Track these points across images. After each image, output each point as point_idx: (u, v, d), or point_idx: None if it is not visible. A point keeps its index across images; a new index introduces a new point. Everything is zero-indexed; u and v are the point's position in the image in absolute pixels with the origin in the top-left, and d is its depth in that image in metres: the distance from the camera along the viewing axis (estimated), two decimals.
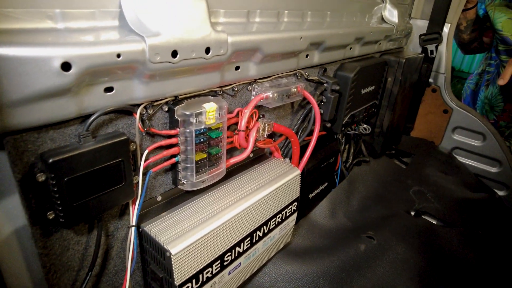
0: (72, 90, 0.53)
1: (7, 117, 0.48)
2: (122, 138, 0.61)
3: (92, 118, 0.57)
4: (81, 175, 0.56)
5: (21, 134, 0.52)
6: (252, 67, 0.87)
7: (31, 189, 0.55)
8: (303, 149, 1.14)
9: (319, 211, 1.39)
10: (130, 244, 0.69)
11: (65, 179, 0.55)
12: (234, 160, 0.88)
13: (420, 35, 1.85)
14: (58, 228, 0.61)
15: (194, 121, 0.71)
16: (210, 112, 0.73)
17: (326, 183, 1.42)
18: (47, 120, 0.53)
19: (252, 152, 0.94)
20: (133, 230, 0.69)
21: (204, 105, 0.73)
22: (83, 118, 0.59)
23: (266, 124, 0.96)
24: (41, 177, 0.53)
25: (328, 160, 1.35)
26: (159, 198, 0.78)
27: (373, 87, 1.52)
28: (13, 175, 0.53)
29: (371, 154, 1.79)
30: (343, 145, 1.58)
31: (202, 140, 0.75)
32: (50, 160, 0.52)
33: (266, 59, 0.88)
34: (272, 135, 1.10)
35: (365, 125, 1.65)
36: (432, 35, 1.85)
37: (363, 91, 1.43)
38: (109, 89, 0.59)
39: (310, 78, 1.14)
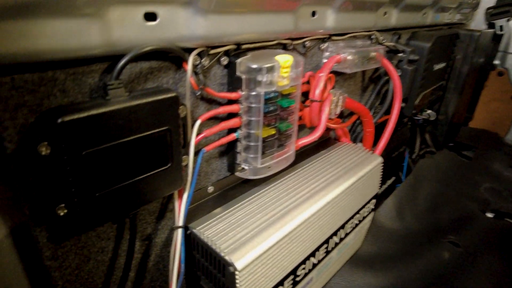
0: (95, 4, 0.32)
1: None
2: (170, 95, 0.40)
3: (126, 58, 0.37)
4: (107, 148, 0.36)
5: (12, 76, 0.31)
6: (330, 16, 0.65)
7: (30, 169, 0.35)
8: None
9: (384, 210, 1.15)
10: (175, 252, 0.48)
11: (83, 153, 0.34)
12: (302, 141, 0.66)
13: (488, 8, 1.58)
14: (73, 231, 0.41)
15: (264, 79, 0.50)
16: (285, 68, 0.52)
17: (394, 178, 1.18)
18: (54, 53, 0.32)
19: (322, 133, 0.72)
20: (179, 233, 0.48)
21: (278, 57, 0.51)
22: (111, 62, 0.38)
23: (340, 97, 0.74)
24: (45, 149, 0.33)
25: (398, 150, 1.11)
26: (210, 189, 0.57)
27: (444, 64, 1.27)
28: (3, 144, 0.33)
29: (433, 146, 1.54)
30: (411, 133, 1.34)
31: (271, 109, 0.54)
32: (59, 121, 0.32)
33: (346, 6, 0.65)
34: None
35: (429, 111, 1.40)
36: (503, 7, 1.58)
37: (435, 67, 1.18)
38: (151, 17, 0.38)
39: (385, 43, 0.90)
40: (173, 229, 0.49)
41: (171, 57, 0.43)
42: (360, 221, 0.78)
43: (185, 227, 0.50)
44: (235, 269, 0.45)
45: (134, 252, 0.48)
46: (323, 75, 0.65)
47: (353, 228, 0.76)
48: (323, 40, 0.70)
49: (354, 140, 0.95)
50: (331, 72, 0.69)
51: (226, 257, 0.46)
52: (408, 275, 0.92)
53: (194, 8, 0.41)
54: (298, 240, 0.56)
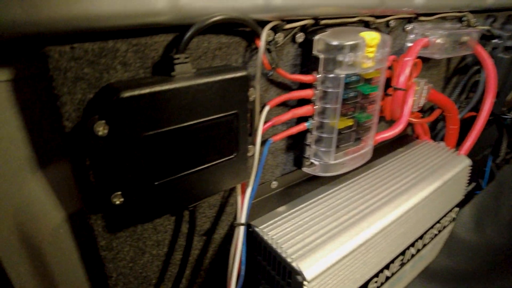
0: None
1: (46, 0, 0.25)
2: (241, 74, 0.35)
3: (193, 29, 0.32)
4: (169, 132, 0.31)
5: (72, 45, 0.28)
6: None
7: (86, 151, 0.31)
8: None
9: (461, 220, 1.02)
10: (235, 252, 0.43)
11: (143, 135, 0.30)
12: (382, 136, 0.58)
13: None
14: (129, 221, 0.37)
15: (346, 59, 0.42)
16: (371, 47, 0.44)
17: (474, 183, 1.03)
18: (116, 17, 0.28)
19: (405, 127, 0.62)
20: (241, 231, 0.43)
21: (363, 34, 0.43)
22: (176, 34, 0.33)
23: (425, 87, 0.64)
24: (102, 129, 0.29)
25: (483, 152, 0.97)
26: (274, 184, 0.52)
27: None
28: (61, 122, 0.29)
29: None
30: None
31: (351, 95, 0.46)
32: (120, 96, 0.28)
33: None
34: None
35: None
36: None
37: None
38: None
39: (478, 27, 0.77)
40: (234, 226, 0.44)
41: (242, 31, 0.38)
42: (439, 231, 0.67)
43: (248, 225, 0.45)
44: (304, 279, 0.39)
45: (191, 248, 0.44)
46: (409, 60, 0.56)
47: (432, 239, 0.65)
48: (408, 21, 0.60)
49: (434, 138, 0.83)
50: (417, 58, 0.59)
51: (294, 264, 0.40)
52: None
53: None
54: (374, 250, 0.48)
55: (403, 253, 0.56)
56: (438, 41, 0.60)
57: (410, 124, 0.76)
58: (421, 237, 0.60)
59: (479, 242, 1.00)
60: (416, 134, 0.77)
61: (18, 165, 0.34)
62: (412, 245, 0.59)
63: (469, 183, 1.07)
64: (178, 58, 0.31)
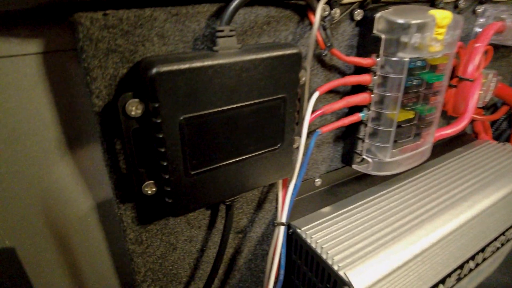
0: None
1: None
2: (292, 51, 0.30)
3: (237, 1, 0.27)
4: (211, 114, 0.27)
5: (104, 11, 0.24)
6: None
7: (117, 133, 0.28)
8: None
9: None
10: (274, 254, 0.39)
11: (181, 117, 0.26)
12: (442, 132, 0.51)
13: None
14: (161, 213, 0.34)
15: (412, 40, 0.36)
16: (441, 28, 0.37)
17: None
18: None
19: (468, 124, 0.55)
20: (281, 232, 0.38)
21: (433, 12, 0.37)
22: (220, 5, 0.29)
23: (493, 79, 0.56)
24: (135, 108, 0.26)
25: None
26: (318, 181, 0.47)
27: None
28: (90, 100, 0.26)
29: None
30: None
31: (415, 83, 0.40)
32: (155, 71, 0.24)
33: None
34: None
35: None
36: None
37: None
38: None
39: None
40: (274, 225, 0.40)
41: (293, 4, 0.33)
42: (502, 245, 0.59)
43: (288, 225, 0.40)
44: None
45: (226, 246, 0.40)
46: (480, 46, 0.49)
47: (493, 253, 0.58)
48: (480, 2, 0.52)
49: (496, 139, 0.74)
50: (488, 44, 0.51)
51: (341, 273, 0.35)
52: None
53: None
54: (431, 262, 0.42)
55: (461, 266, 0.50)
56: None
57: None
58: (482, 250, 0.53)
59: None
60: (476, 133, 0.69)
61: (47, 146, 0.31)
62: (472, 258, 0.52)
63: None
64: (222, 31, 0.27)
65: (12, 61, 0.27)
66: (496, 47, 0.59)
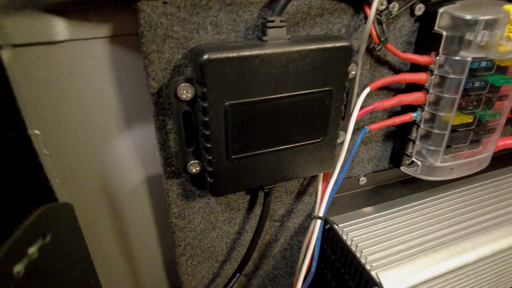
0: None
1: None
2: (342, 44, 0.29)
3: None
4: (255, 102, 0.28)
5: (164, 0, 0.26)
6: None
7: (169, 114, 0.30)
8: None
9: None
10: (308, 247, 0.39)
11: (227, 103, 0.27)
12: (506, 142, 0.46)
13: None
14: (203, 191, 0.36)
15: (478, 38, 0.34)
16: None
17: None
18: None
19: None
20: (317, 225, 0.39)
21: (507, 6, 0.34)
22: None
23: None
24: (187, 91, 0.27)
25: None
26: (363, 180, 0.46)
27: None
28: (147, 81, 0.29)
29: None
30: None
31: (476, 85, 0.37)
32: (205, 57, 0.25)
33: None
34: None
35: None
36: None
37: None
38: None
39: None
40: (311, 218, 0.40)
41: None
42: None
43: (325, 220, 0.41)
44: None
45: (262, 232, 0.41)
46: None
47: None
48: None
49: None
50: None
51: (373, 273, 0.35)
52: None
53: None
54: (476, 279, 0.40)
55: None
56: None
57: None
58: None
59: None
60: None
61: (108, 121, 0.35)
62: None
63: None
64: (272, 21, 0.28)
65: (84, 43, 0.31)
66: None
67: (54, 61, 0.30)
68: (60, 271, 0.20)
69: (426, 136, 0.40)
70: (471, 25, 0.34)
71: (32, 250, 0.18)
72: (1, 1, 0.27)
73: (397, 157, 0.44)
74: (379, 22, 0.33)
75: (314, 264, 0.40)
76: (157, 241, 0.44)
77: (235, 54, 0.26)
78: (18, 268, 0.16)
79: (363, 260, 0.36)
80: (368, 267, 0.35)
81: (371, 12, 0.32)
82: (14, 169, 0.19)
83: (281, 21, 0.28)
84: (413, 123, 0.40)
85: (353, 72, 0.33)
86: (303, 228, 0.45)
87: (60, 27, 0.29)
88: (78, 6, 0.29)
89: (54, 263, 0.20)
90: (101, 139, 0.35)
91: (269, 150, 0.31)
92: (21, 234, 0.17)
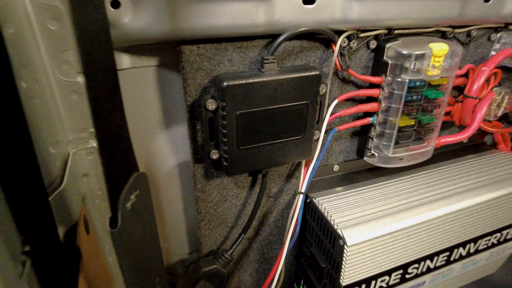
0: None
1: (185, 16, 0.38)
2: (314, 73, 0.44)
3: (282, 37, 0.42)
4: (256, 112, 0.43)
5: (197, 45, 0.41)
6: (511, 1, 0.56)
7: (199, 119, 0.45)
8: None
9: None
10: (294, 214, 0.54)
11: (237, 112, 0.42)
12: (446, 140, 0.61)
13: None
14: (219, 173, 0.51)
15: (411, 66, 0.48)
16: (438, 57, 0.49)
17: None
18: (229, 29, 0.40)
19: (472, 135, 0.64)
20: (300, 198, 0.54)
21: (432, 45, 0.48)
22: (269, 40, 0.44)
23: (506, 97, 0.64)
24: (212, 105, 0.42)
25: None
26: (336, 167, 0.61)
27: None
28: (184, 97, 0.43)
29: None
30: None
31: (414, 98, 0.52)
32: (225, 84, 0.40)
33: None
34: (500, 118, 0.75)
35: None
36: None
37: None
38: (310, 0, 0.42)
39: None
40: (296, 193, 0.55)
41: (321, 38, 0.47)
42: (499, 242, 0.68)
43: (306, 195, 0.55)
44: (345, 243, 0.48)
45: (260, 205, 0.56)
46: (486, 70, 0.58)
47: (488, 247, 0.67)
48: (495, 30, 0.61)
49: None
50: (498, 67, 0.60)
51: (339, 231, 0.49)
52: None
53: None
54: (416, 238, 0.54)
55: (449, 250, 0.60)
56: None
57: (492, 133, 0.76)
58: (474, 241, 0.63)
59: None
60: (495, 144, 0.76)
61: (153, 123, 0.50)
62: (463, 246, 0.62)
63: None
64: (268, 59, 0.42)
65: (141, 70, 0.45)
66: None
67: (121, 81, 0.45)
68: (142, 209, 0.35)
69: (381, 135, 0.55)
70: (407, 57, 0.48)
71: (132, 196, 0.32)
72: None
73: (361, 150, 0.59)
74: (342, 55, 0.48)
75: (298, 228, 0.54)
76: (182, 213, 0.59)
77: (243, 81, 0.41)
78: (128, 204, 0.31)
79: (332, 222, 0.51)
80: (335, 226, 0.50)
81: (336, 49, 0.47)
82: (121, 154, 0.33)
83: (273, 58, 0.43)
84: (371, 125, 0.55)
85: (324, 90, 0.48)
86: (291, 203, 0.60)
87: (125, 60, 0.44)
88: (137, 47, 0.43)
89: (140, 204, 0.34)
90: (148, 136, 0.50)
91: (266, 143, 0.46)
92: (128, 188, 0.31)
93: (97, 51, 0.28)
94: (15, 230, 0.29)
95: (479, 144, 0.76)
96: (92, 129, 0.45)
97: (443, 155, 0.70)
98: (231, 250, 0.55)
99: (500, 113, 0.65)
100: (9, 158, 0.29)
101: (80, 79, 0.42)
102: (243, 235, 0.55)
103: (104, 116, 0.29)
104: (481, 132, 0.75)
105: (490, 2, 0.54)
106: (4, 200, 0.29)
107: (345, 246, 0.48)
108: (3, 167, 0.29)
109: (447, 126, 0.69)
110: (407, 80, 0.49)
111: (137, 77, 0.46)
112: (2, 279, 0.24)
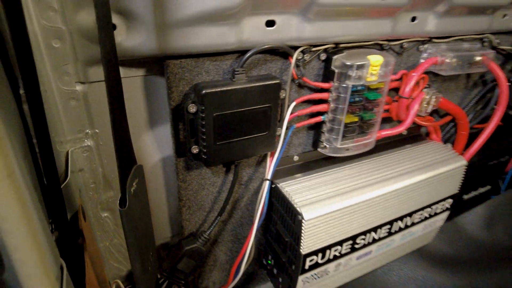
0: (235, 17, 0.48)
1: (170, 38, 0.47)
2: (275, 81, 0.55)
3: (249, 53, 0.52)
4: (229, 114, 0.53)
5: (180, 60, 0.50)
6: (432, 21, 0.69)
7: (181, 120, 0.54)
8: (470, 138, 0.91)
9: (472, 218, 1.13)
10: (261, 198, 0.65)
11: (214, 114, 0.52)
12: (386, 132, 0.74)
13: None
14: (198, 165, 0.60)
15: (353, 74, 0.60)
16: (374, 67, 0.61)
17: (489, 187, 1.14)
18: (206, 47, 0.49)
19: (407, 128, 0.78)
20: (266, 184, 0.64)
21: (369, 56, 0.60)
22: (239, 55, 0.54)
23: (433, 96, 0.78)
24: (192, 108, 0.51)
25: (499, 159, 1.07)
26: (296, 158, 0.72)
27: None
28: (168, 102, 0.52)
29: None
30: None
31: (356, 99, 0.64)
32: (203, 91, 0.49)
33: (452, 11, 0.69)
34: (432, 113, 0.90)
35: None
36: None
37: None
38: (270, 23, 0.53)
39: (501, 47, 0.87)
40: (263, 180, 0.65)
41: (280, 52, 0.58)
42: (430, 216, 0.83)
43: (271, 181, 0.66)
44: (303, 218, 0.59)
45: (233, 192, 0.66)
46: (415, 75, 0.71)
47: (422, 220, 0.81)
48: (422, 42, 0.74)
49: (447, 141, 0.96)
50: (426, 73, 0.74)
51: (298, 209, 0.61)
52: (479, 282, 0.93)
53: (303, 17, 0.54)
54: (362, 213, 0.67)
55: (390, 223, 0.74)
56: (447, 60, 0.74)
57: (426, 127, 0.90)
58: (410, 215, 0.77)
59: (485, 239, 1.11)
60: (429, 135, 0.91)
61: (140, 124, 0.58)
62: (400, 219, 0.76)
63: (485, 185, 1.17)
64: (238, 71, 0.52)
65: (130, 79, 0.53)
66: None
67: None
68: (140, 194, 0.43)
69: (331, 130, 0.66)
70: (350, 67, 0.60)
71: (134, 183, 0.41)
72: (86, 57, 0.49)
73: (315, 143, 0.70)
74: (298, 66, 0.59)
75: (265, 209, 0.65)
76: (165, 201, 0.68)
77: (218, 89, 0.50)
78: (132, 189, 0.39)
79: (293, 202, 0.62)
80: (295, 205, 0.61)
81: (293, 61, 0.57)
82: (127, 150, 0.42)
83: (243, 70, 0.53)
84: (322, 122, 0.67)
85: (284, 95, 0.58)
86: (259, 189, 0.70)
87: None
88: (128, 61, 0.51)
89: (139, 190, 0.43)
90: (135, 134, 0.58)
91: (238, 139, 0.56)
92: (131, 176, 0.40)
93: (113, 66, 0.37)
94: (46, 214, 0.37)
95: (416, 135, 0.90)
96: (88, 130, 0.53)
97: (386, 145, 0.83)
98: (209, 231, 0.64)
99: (430, 110, 0.79)
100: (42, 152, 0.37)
101: (78, 87, 0.50)
102: (219, 217, 0.65)
103: (119, 119, 0.38)
104: (416, 126, 0.90)
105: (415, 22, 0.67)
106: (39, 189, 0.37)
107: (303, 221, 0.59)
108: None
109: (389, 121, 0.83)
110: (350, 85, 0.61)
111: (127, 85, 0.54)
112: (48, 244, 0.32)
